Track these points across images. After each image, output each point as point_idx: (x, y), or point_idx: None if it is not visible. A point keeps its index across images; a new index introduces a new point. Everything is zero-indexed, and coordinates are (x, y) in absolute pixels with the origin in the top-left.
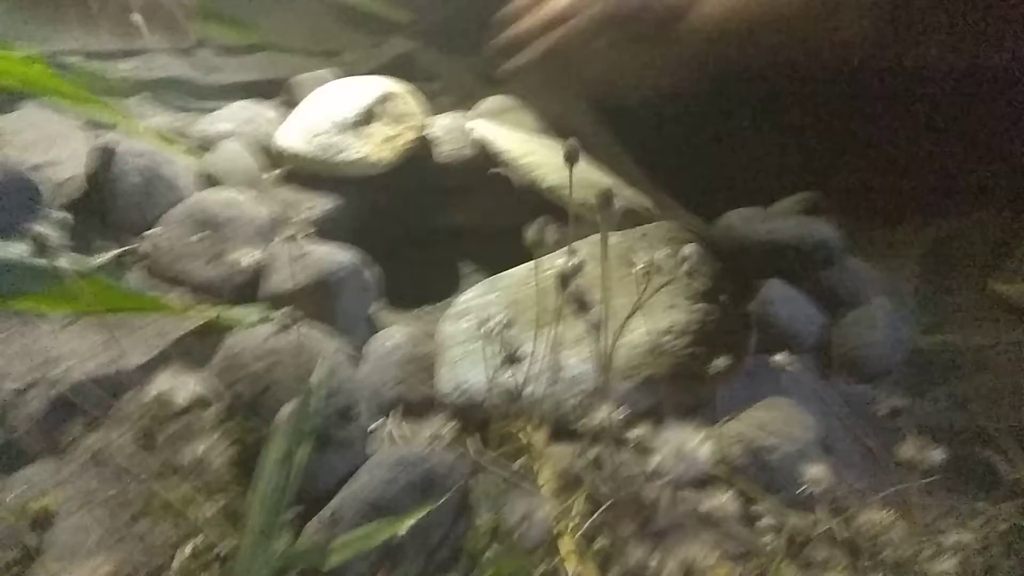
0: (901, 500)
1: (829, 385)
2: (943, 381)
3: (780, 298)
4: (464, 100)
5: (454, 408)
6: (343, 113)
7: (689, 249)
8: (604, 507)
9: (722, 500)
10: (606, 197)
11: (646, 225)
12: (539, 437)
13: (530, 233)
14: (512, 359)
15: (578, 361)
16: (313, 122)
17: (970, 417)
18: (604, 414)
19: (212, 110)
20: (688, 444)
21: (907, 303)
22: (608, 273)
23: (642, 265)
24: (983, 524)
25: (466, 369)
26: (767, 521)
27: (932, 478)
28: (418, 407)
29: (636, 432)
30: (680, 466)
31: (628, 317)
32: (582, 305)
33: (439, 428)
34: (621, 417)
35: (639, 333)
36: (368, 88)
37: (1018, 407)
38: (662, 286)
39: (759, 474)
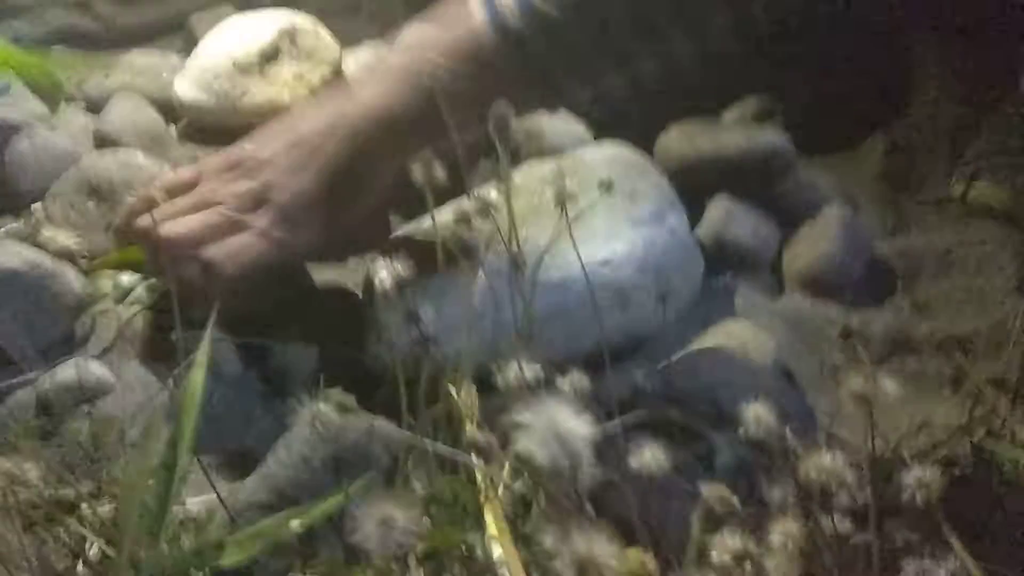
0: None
1: (786, 303)
2: (905, 288)
3: (730, 216)
4: (387, 29)
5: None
6: (243, 52)
7: (608, 173)
8: (531, 470)
9: (654, 453)
10: (502, 119)
11: (584, 148)
12: (465, 395)
13: (416, 171)
14: (413, 317)
15: (499, 306)
16: (211, 65)
17: (934, 324)
18: (527, 363)
19: (110, 62)
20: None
21: (864, 210)
22: (533, 206)
23: (556, 192)
24: (951, 436)
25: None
26: (723, 459)
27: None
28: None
29: (571, 379)
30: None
31: (544, 252)
32: (496, 244)
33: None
34: (542, 366)
35: (573, 267)
36: (269, 22)
37: (983, 310)
38: (576, 216)
39: (710, 409)
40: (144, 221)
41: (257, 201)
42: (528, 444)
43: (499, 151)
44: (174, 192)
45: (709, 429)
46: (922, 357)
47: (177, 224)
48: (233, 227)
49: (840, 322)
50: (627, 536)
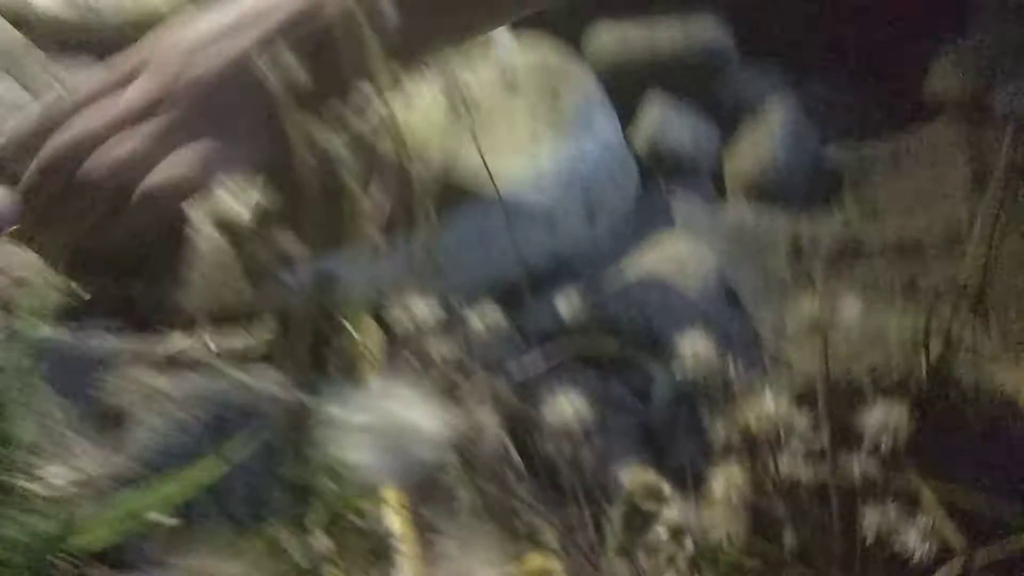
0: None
1: (728, 213)
2: (854, 191)
3: (665, 119)
4: None
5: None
6: None
7: (525, 74)
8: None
9: (571, 400)
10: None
11: (498, 45)
12: (371, 338)
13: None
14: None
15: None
16: None
17: (884, 229)
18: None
19: None
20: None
21: (811, 108)
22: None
23: (458, 98)
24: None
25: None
26: (661, 391)
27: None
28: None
29: (483, 313)
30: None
31: (450, 170)
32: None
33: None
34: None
35: (489, 185)
36: None
37: (936, 212)
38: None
39: (646, 337)
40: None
41: (174, 110)
42: (359, 454)
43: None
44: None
45: (645, 358)
46: (873, 264)
47: (103, 153)
48: (163, 147)
49: (786, 230)
50: (555, 487)
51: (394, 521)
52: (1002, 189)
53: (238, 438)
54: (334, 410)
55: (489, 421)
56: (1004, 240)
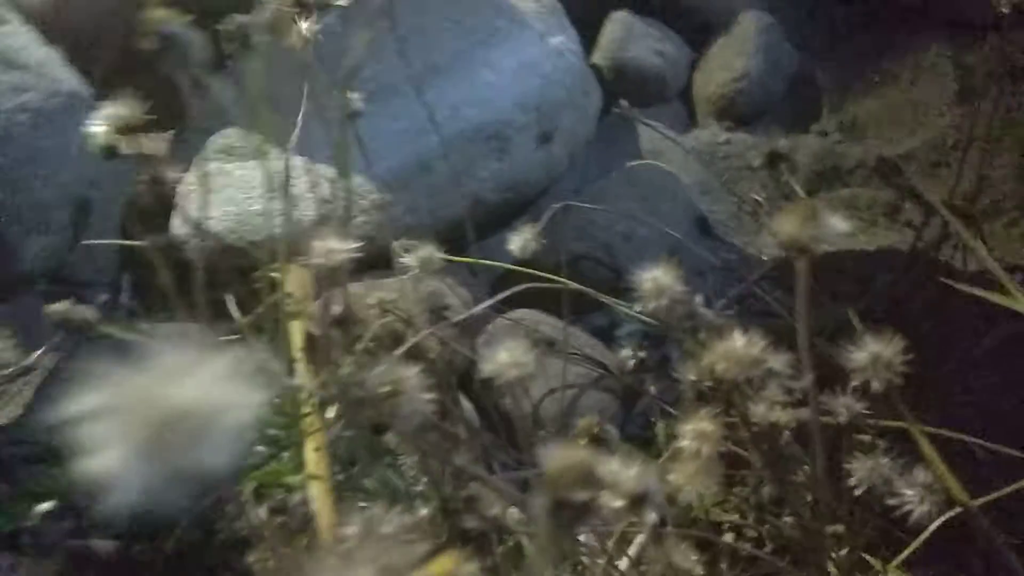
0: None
1: (698, 136)
2: (833, 108)
3: (630, 34)
4: None
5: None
6: None
7: None
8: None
9: (512, 353)
10: None
11: None
12: (295, 284)
13: None
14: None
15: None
16: None
17: (865, 148)
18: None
19: None
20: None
21: (785, 18)
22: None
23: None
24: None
25: (202, 203)
26: (626, 329)
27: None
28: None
29: (421, 254)
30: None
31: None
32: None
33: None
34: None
35: (431, 106)
36: None
37: (919, 128)
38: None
39: (610, 272)
40: None
41: None
42: (102, 460)
43: None
44: None
45: (609, 296)
46: (854, 184)
47: None
48: None
49: (762, 154)
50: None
51: (317, 495)
52: (994, 100)
53: None
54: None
55: (417, 377)
56: (996, 153)
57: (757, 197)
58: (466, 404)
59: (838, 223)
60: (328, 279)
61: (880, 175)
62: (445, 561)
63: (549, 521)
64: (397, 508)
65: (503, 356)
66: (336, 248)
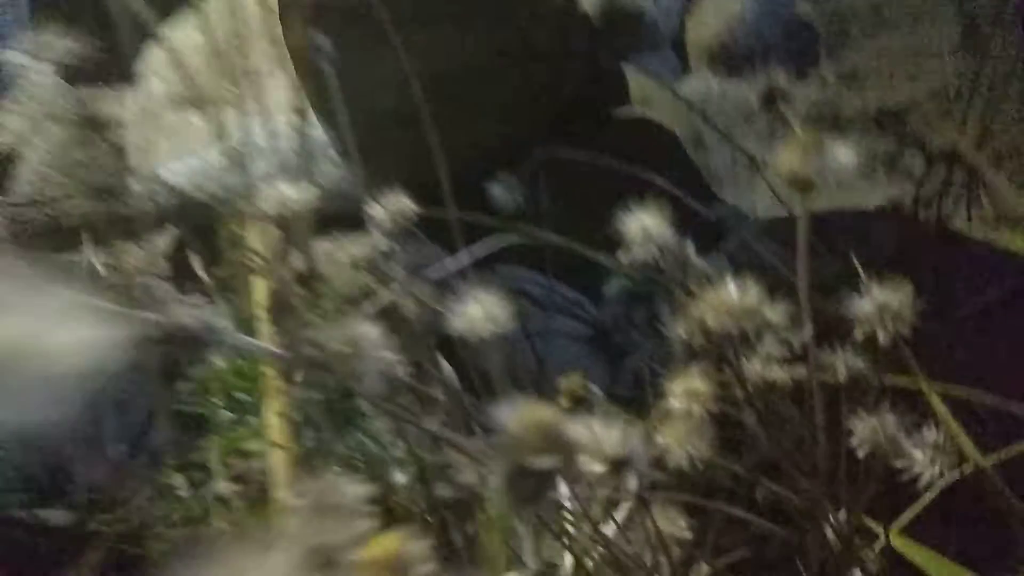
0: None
1: (691, 84)
2: (830, 54)
3: None
4: None
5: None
6: None
7: None
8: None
9: (484, 307)
10: None
11: None
12: (258, 235)
13: None
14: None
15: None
16: None
17: (864, 97)
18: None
19: None
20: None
21: None
22: None
23: None
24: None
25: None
26: (614, 287)
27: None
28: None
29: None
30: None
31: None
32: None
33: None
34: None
35: None
36: None
37: (917, 79)
38: None
39: (596, 228)
40: None
41: None
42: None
43: None
44: None
45: (595, 252)
46: (852, 134)
47: None
48: None
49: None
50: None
51: (276, 463)
52: (998, 47)
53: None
54: None
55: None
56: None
57: (749, 150)
58: (447, 366)
59: (844, 156)
60: (285, 231)
61: (880, 125)
62: (387, 541)
63: (508, 492)
64: (357, 477)
65: (475, 310)
66: (291, 197)
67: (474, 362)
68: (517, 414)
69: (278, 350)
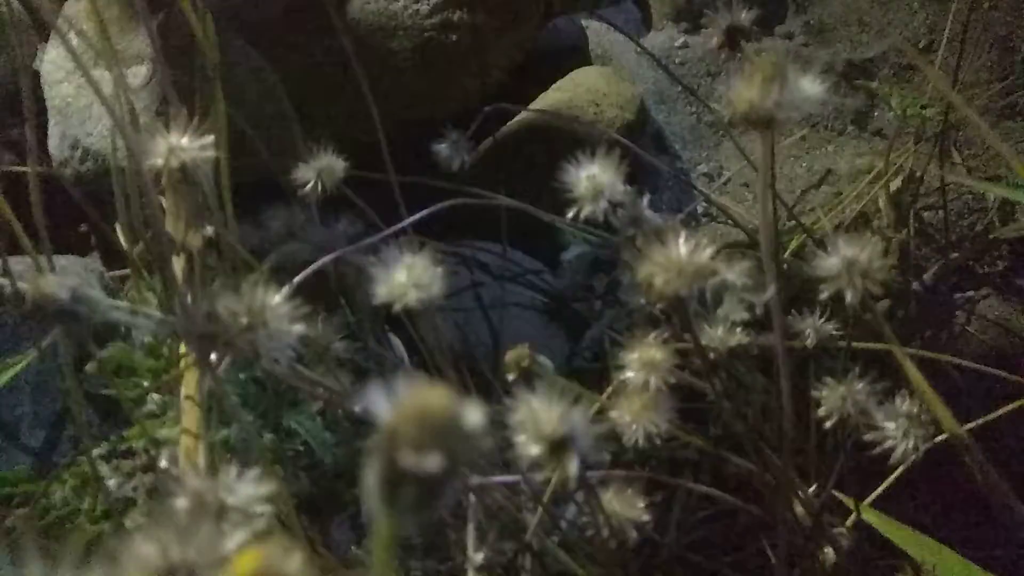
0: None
1: (653, 39)
2: (798, 8)
3: None
4: None
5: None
6: None
7: None
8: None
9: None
10: None
11: None
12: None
13: None
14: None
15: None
16: None
17: (833, 52)
18: None
19: None
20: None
21: None
22: None
23: None
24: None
25: (81, 116)
26: (572, 253)
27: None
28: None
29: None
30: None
31: None
32: None
33: None
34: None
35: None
36: None
37: (886, 32)
38: None
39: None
40: None
41: None
42: None
43: None
44: None
45: (554, 217)
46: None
47: None
48: None
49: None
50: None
51: (185, 452)
52: None
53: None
54: None
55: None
56: (972, 56)
57: (714, 107)
58: (397, 341)
59: (809, 86)
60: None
61: (848, 80)
62: (258, 553)
63: (384, 500)
64: (254, 470)
65: (400, 276)
66: (183, 145)
67: (422, 336)
68: (397, 401)
69: (165, 322)
